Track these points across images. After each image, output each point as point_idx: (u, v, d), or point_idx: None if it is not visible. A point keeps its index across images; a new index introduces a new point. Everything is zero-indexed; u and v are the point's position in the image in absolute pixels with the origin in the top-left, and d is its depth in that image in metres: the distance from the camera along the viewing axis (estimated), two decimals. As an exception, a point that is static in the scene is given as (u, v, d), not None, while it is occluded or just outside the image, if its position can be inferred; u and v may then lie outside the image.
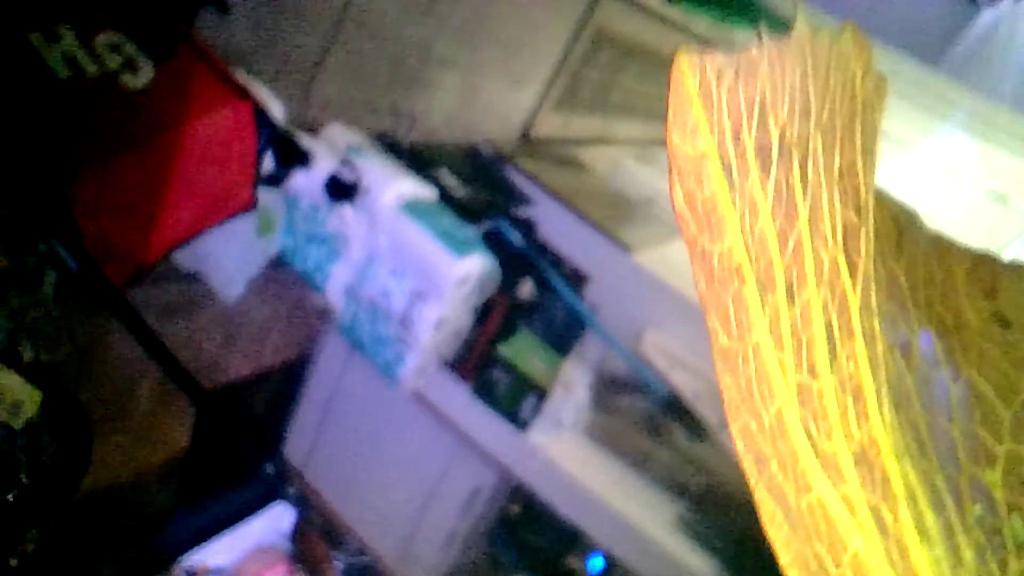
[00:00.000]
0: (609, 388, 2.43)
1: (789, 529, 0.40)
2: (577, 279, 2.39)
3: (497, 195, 2.51)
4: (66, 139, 1.16)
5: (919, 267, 0.46)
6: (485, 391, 2.23)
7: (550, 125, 3.16)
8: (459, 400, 2.25)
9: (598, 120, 3.60)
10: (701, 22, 3.75)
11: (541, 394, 2.22)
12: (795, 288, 0.39)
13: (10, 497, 0.97)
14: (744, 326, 0.40)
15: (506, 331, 2.26)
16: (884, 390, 0.39)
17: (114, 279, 1.27)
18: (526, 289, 2.31)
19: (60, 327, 1.07)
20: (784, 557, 0.40)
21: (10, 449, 0.99)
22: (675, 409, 2.29)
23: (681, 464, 2.26)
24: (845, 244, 0.41)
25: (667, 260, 2.57)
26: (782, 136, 0.39)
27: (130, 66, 1.24)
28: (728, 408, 0.40)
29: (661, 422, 2.31)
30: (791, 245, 0.40)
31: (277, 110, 1.64)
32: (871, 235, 0.40)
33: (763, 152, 0.40)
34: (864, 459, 0.40)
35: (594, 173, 3.24)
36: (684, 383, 2.29)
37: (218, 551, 1.81)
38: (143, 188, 1.28)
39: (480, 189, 2.44)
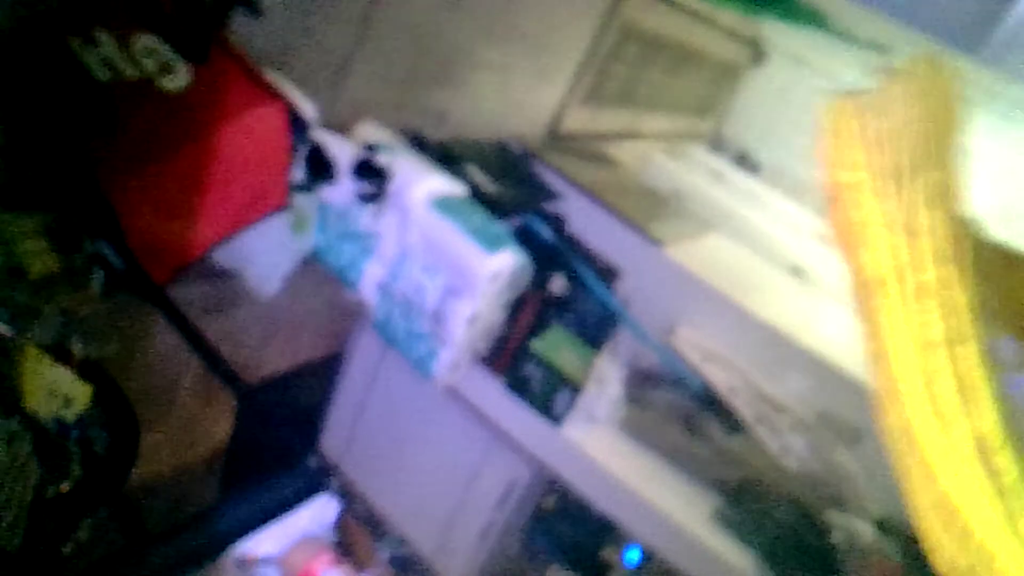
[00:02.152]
0: (642, 382, 2.43)
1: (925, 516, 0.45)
2: (608, 274, 2.39)
3: (527, 191, 2.52)
4: (108, 142, 1.20)
5: (990, 275, 0.50)
6: (519, 386, 2.24)
7: (578, 120, 3.16)
8: (493, 395, 2.26)
9: (626, 114, 3.59)
10: (727, 15, 3.71)
11: (574, 388, 2.22)
12: (921, 294, 0.46)
13: (65, 487, 1.01)
14: (881, 330, 0.48)
15: (539, 326, 2.27)
16: (992, 387, 0.44)
17: (156, 277, 1.30)
18: (558, 284, 2.32)
19: (107, 324, 1.11)
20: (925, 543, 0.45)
21: (64, 441, 1.02)
22: (710, 403, 2.27)
23: (717, 458, 2.25)
24: (955, 255, 0.47)
25: (698, 254, 2.56)
26: (911, 160, 0.48)
27: (166, 69, 1.28)
28: (878, 404, 0.47)
29: (696, 416, 2.29)
30: (917, 257, 0.48)
31: (308, 110, 1.67)
32: (970, 246, 0.47)
33: (897, 175, 0.48)
34: (982, 449, 0.44)
35: (623, 167, 3.23)
36: (718, 377, 2.28)
37: (266, 541, 1.84)
38: (182, 188, 1.31)
39: (510, 185, 2.45)
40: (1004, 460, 0.41)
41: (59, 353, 1.02)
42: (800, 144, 4.25)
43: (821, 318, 2.57)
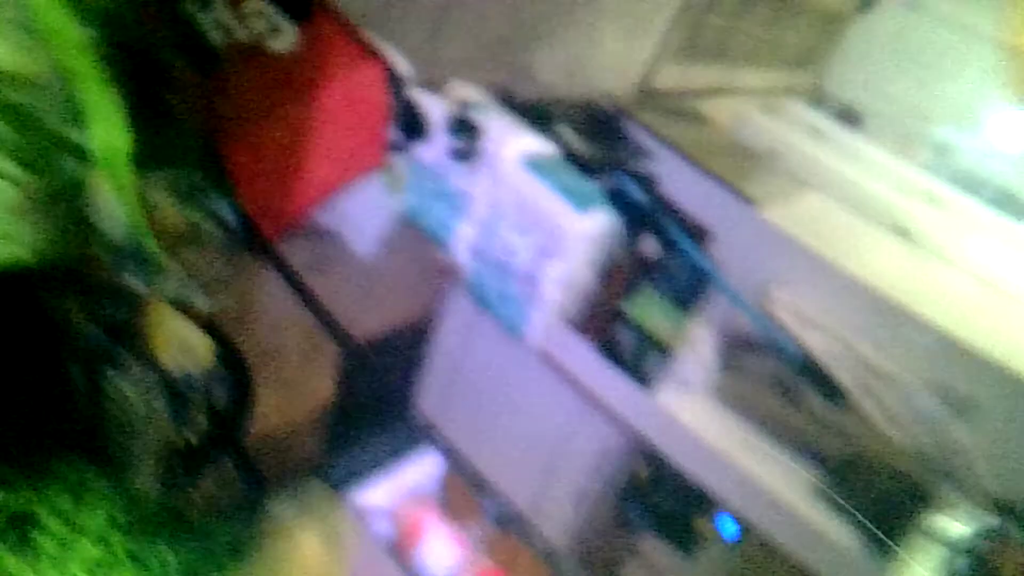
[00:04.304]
0: (736, 348, 2.36)
1: None
2: (700, 235, 2.32)
3: (617, 150, 2.46)
4: (222, 103, 1.22)
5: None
6: (610, 350, 2.21)
7: (671, 76, 3.06)
8: (584, 358, 2.25)
9: (721, 69, 3.44)
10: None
11: (667, 353, 2.18)
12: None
13: (192, 437, 1.06)
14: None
15: (630, 289, 2.23)
16: None
17: (267, 234, 1.34)
18: (649, 246, 2.26)
19: (224, 280, 1.14)
20: None
21: (189, 393, 1.07)
22: (809, 371, 2.19)
23: (817, 429, 2.17)
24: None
25: (795, 214, 2.45)
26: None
27: (274, 30, 1.29)
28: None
29: (794, 385, 2.22)
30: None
31: (404, 68, 1.67)
32: None
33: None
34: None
35: (716, 125, 3.11)
36: (818, 344, 2.19)
37: (376, 493, 1.90)
38: (289, 147, 1.33)
39: (600, 144, 2.40)
40: None
41: (184, 307, 1.05)
42: (910, 95, 4.00)
43: (930, 281, 2.43)
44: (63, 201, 0.76)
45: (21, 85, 0.70)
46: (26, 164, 0.72)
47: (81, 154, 0.74)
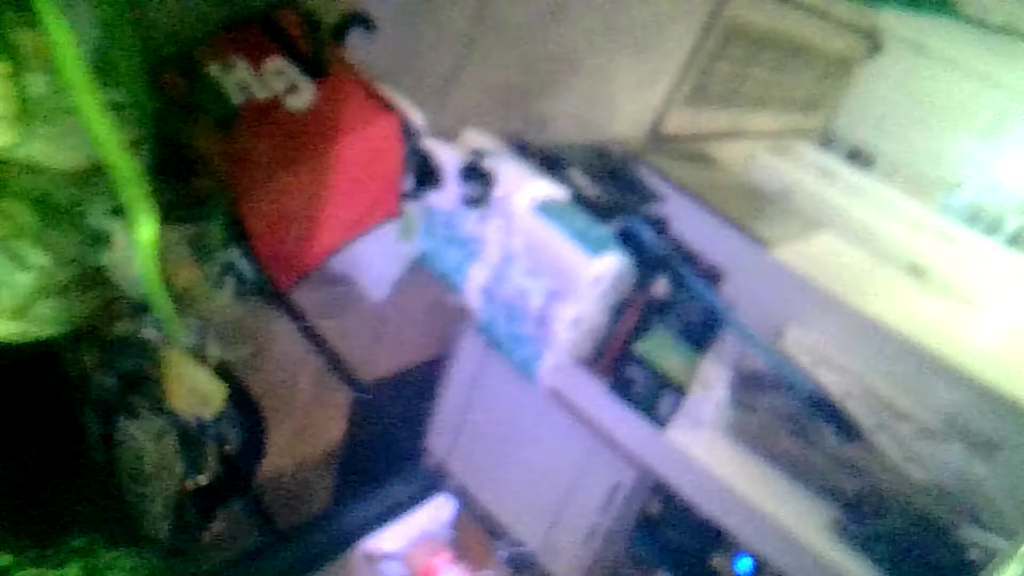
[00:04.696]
0: (750, 386, 2.36)
1: None
2: (713, 276, 2.34)
3: (629, 194, 2.50)
4: (239, 159, 1.28)
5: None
6: (622, 388, 2.22)
7: (680, 121, 3.11)
8: (597, 397, 2.26)
9: (730, 113, 3.49)
10: (842, 6, 3.54)
11: (679, 391, 2.19)
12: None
13: (203, 480, 1.09)
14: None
15: (642, 329, 2.25)
16: None
17: (281, 284, 1.38)
18: (661, 287, 2.29)
19: (237, 328, 1.18)
20: None
21: (202, 438, 1.10)
22: (822, 408, 2.18)
23: (832, 466, 2.15)
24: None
25: (807, 254, 2.46)
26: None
27: (293, 88, 1.35)
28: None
29: (808, 422, 2.21)
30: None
31: (417, 119, 1.73)
32: None
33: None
34: None
35: (726, 167, 3.15)
36: (833, 382, 2.19)
37: (388, 538, 1.91)
38: (304, 201, 1.38)
39: (612, 188, 2.44)
40: None
41: (198, 356, 1.10)
42: (919, 136, 4.01)
43: (946, 319, 2.42)
44: (94, 285, 0.81)
45: (61, 180, 0.75)
46: (60, 255, 0.77)
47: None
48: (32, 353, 0.79)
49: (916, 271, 2.71)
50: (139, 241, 0.79)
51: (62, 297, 0.78)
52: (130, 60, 0.79)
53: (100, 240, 0.82)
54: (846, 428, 2.13)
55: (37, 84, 0.70)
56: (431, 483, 2.00)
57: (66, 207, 0.78)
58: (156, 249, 0.80)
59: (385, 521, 1.88)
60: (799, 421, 2.25)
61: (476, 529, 2.06)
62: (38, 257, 0.76)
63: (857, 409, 2.11)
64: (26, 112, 0.71)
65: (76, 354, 0.83)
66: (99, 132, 0.70)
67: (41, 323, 0.78)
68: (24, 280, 0.74)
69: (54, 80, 0.69)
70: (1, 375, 0.78)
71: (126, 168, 0.73)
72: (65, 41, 0.67)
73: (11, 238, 0.73)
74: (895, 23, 4.02)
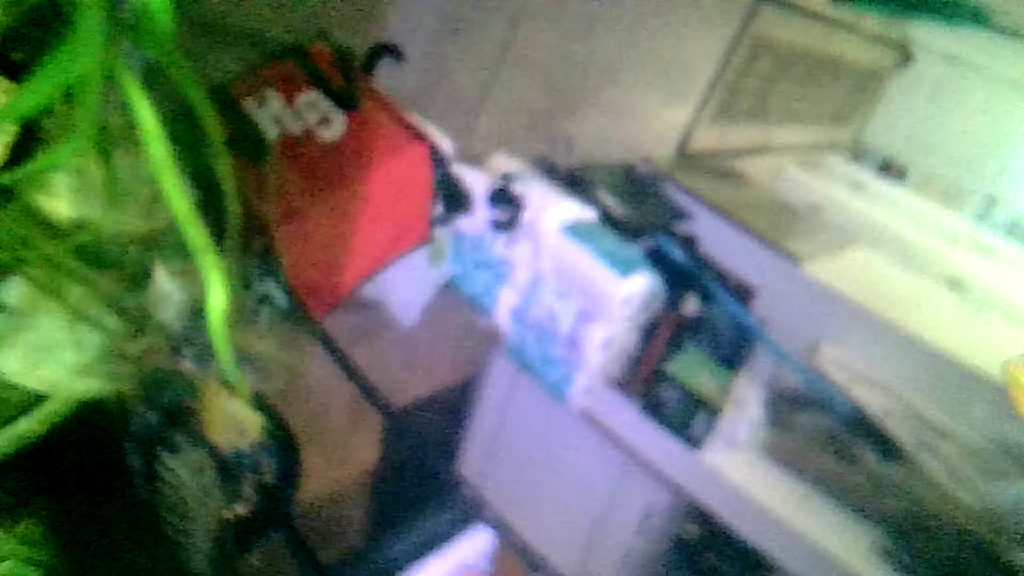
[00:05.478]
0: (785, 405, 2.32)
1: None
2: (744, 293, 2.31)
3: (657, 212, 2.49)
4: (275, 192, 1.30)
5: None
6: (655, 409, 2.20)
7: (707, 138, 3.10)
8: (629, 418, 2.24)
9: (757, 129, 3.47)
10: (871, 19, 3.50)
11: (713, 411, 2.16)
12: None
13: (241, 511, 1.10)
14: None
15: (673, 348, 2.23)
16: None
17: (314, 313, 1.40)
18: (691, 305, 2.27)
19: (272, 358, 1.20)
20: None
21: (239, 469, 1.11)
22: (861, 427, 2.14)
23: (874, 486, 2.11)
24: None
25: (839, 269, 2.43)
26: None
27: (325, 121, 1.37)
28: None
29: (847, 441, 2.16)
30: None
31: (446, 146, 1.74)
32: None
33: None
34: None
35: (755, 183, 3.12)
36: (870, 400, 2.14)
37: (427, 572, 1.90)
38: (337, 230, 1.40)
39: (640, 207, 2.43)
40: None
41: (234, 387, 1.11)
42: (952, 147, 3.94)
43: (986, 333, 2.37)
44: (146, 333, 0.83)
45: (132, 245, 0.78)
46: (130, 317, 0.80)
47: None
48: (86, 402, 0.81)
49: (955, 285, 2.65)
50: (211, 307, 0.82)
51: (120, 358, 0.80)
52: (199, 131, 0.83)
53: (164, 301, 0.85)
54: (887, 447, 2.09)
55: (123, 162, 0.74)
56: (467, 511, 1.99)
57: (136, 271, 0.81)
58: (227, 315, 0.83)
59: (424, 553, 1.87)
60: (838, 440, 2.20)
61: (515, 561, 2.04)
62: (111, 321, 0.79)
63: (898, 428, 2.07)
64: (112, 187, 0.74)
65: (118, 392, 0.85)
66: (178, 205, 0.73)
67: (108, 380, 0.81)
68: (96, 341, 0.77)
69: (138, 157, 0.73)
70: (62, 427, 0.81)
71: (199, 237, 0.76)
72: (151, 121, 0.71)
73: (88, 302, 0.76)
74: (926, 34, 3.97)
